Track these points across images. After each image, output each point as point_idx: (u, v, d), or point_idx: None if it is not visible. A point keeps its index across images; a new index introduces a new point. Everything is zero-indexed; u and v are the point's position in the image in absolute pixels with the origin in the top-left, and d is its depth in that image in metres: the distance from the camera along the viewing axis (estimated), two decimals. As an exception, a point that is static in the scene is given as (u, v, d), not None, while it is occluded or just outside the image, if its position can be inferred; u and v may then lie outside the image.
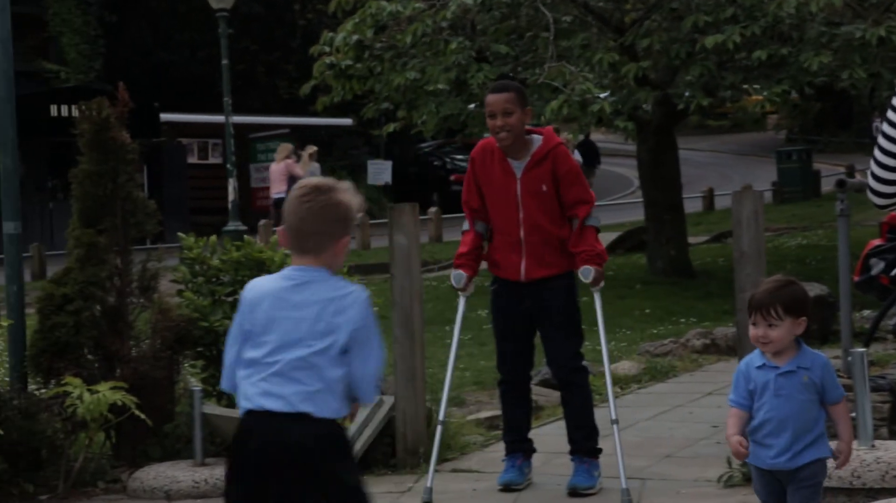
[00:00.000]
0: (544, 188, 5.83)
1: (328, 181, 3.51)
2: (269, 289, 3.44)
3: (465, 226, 6.04)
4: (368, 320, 3.43)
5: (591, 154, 35.14)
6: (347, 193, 3.47)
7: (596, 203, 6.01)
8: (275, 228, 23.34)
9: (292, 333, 3.36)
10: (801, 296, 4.04)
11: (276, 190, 22.09)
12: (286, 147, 22.57)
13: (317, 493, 3.30)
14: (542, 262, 5.86)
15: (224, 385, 3.52)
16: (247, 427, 3.38)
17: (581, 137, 21.86)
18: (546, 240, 5.85)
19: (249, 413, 3.37)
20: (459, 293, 6.04)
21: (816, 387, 3.99)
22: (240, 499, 3.38)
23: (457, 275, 5.99)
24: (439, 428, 5.92)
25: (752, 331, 4.00)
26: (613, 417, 5.76)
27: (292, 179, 21.96)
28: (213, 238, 7.05)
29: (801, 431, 3.97)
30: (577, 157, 22.29)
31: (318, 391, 3.32)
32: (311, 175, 22.36)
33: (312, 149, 22.64)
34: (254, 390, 3.35)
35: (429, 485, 5.73)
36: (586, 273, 5.81)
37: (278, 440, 3.30)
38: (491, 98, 5.88)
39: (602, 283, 5.90)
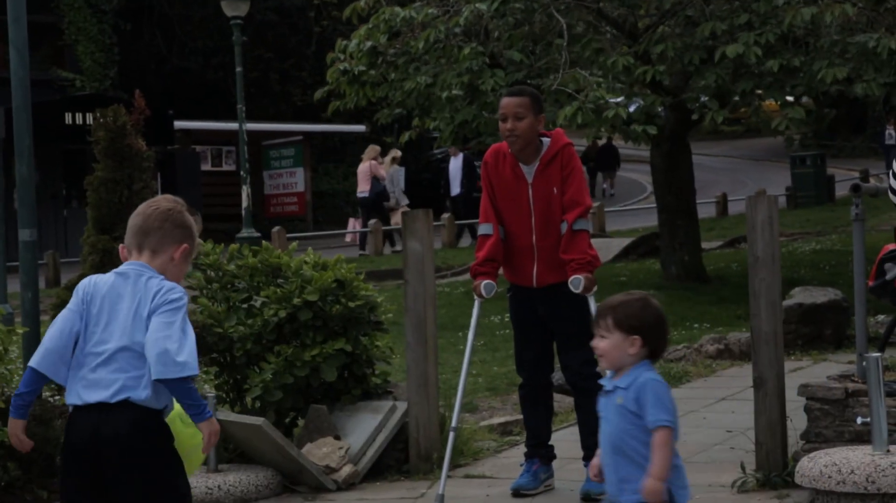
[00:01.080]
0: (555, 191, 5.83)
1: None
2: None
3: (487, 229, 5.98)
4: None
5: (611, 158, 35.19)
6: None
7: (593, 208, 6.02)
8: (357, 226, 23.95)
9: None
10: (635, 313, 3.76)
11: (361, 189, 23.16)
12: (374, 149, 23.26)
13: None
14: (554, 268, 5.86)
15: None
16: None
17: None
18: (558, 244, 5.85)
19: None
20: (476, 298, 6.01)
21: (633, 412, 3.65)
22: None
23: (488, 286, 5.91)
24: (452, 434, 5.92)
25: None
26: None
27: (375, 180, 22.77)
28: (234, 247, 7.06)
29: (623, 462, 3.68)
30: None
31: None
32: (392, 177, 22.75)
33: (397, 153, 23.10)
34: None
35: (440, 492, 5.72)
36: (576, 283, 5.78)
37: None
38: (504, 101, 5.92)
39: (595, 289, 5.85)
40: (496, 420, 7.73)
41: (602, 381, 3.82)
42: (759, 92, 12.91)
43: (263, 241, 7.40)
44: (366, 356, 6.77)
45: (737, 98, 12.86)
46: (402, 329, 6.69)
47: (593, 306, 5.88)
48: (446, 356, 10.18)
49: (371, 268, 17.76)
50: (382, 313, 6.87)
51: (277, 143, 30.53)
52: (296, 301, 6.60)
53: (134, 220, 3.87)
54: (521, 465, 6.09)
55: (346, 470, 6.30)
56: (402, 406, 6.59)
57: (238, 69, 19.63)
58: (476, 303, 6.03)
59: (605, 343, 3.79)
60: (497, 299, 14.43)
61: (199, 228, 3.98)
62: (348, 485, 6.29)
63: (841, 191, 27.59)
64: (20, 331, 6.39)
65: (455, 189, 24.22)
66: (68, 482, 3.75)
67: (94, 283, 3.82)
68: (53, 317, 6.45)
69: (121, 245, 3.93)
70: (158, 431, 3.69)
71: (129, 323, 3.71)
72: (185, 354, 3.64)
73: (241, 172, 20.16)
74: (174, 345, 3.63)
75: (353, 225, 25.03)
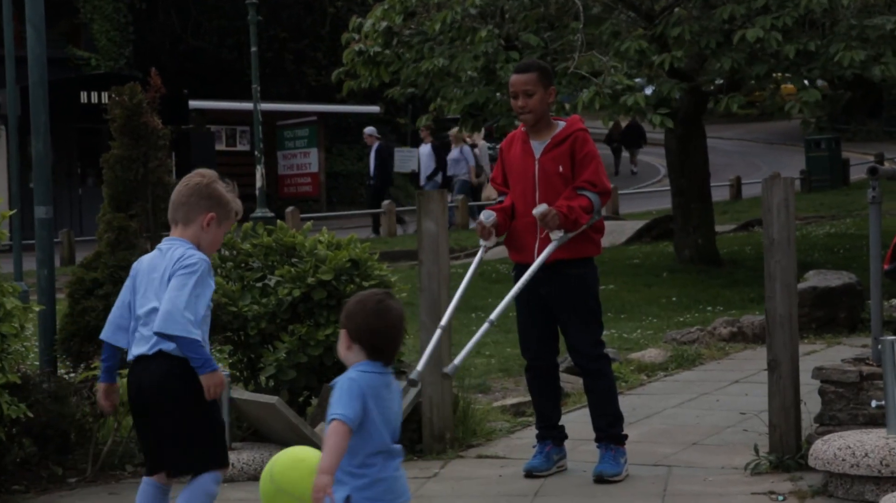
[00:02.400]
0: (561, 169, 5.83)
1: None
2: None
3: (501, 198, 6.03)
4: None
5: (636, 136, 35.25)
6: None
7: (609, 192, 5.97)
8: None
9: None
10: (350, 313, 3.59)
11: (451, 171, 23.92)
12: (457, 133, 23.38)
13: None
14: None
15: None
16: None
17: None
18: None
19: None
20: (482, 242, 5.91)
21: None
22: None
23: (486, 213, 5.84)
24: (438, 332, 5.69)
25: None
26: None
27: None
28: (248, 225, 7.07)
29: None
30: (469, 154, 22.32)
31: None
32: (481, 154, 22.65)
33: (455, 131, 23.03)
34: None
35: (419, 368, 5.39)
36: (538, 208, 5.69)
37: None
38: (514, 78, 5.93)
39: (558, 233, 5.70)
40: (509, 401, 7.74)
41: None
42: (777, 75, 12.85)
43: (278, 221, 7.40)
44: (380, 336, 6.77)
45: (752, 82, 12.80)
46: (416, 309, 6.70)
47: (548, 251, 5.73)
48: (459, 337, 10.19)
49: (385, 248, 17.78)
50: (396, 293, 6.88)
51: (292, 123, 30.52)
52: (310, 280, 6.61)
53: (171, 197, 4.42)
54: (534, 447, 6.10)
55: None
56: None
57: (253, 49, 19.61)
58: (482, 248, 5.96)
59: (339, 344, 3.67)
60: (510, 281, 14.43)
61: (236, 196, 4.41)
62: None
63: (856, 174, 27.51)
64: (36, 308, 6.41)
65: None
66: (135, 423, 4.52)
67: (141, 260, 4.43)
68: (69, 294, 6.52)
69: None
70: (186, 376, 4.23)
71: (157, 286, 4.26)
72: (190, 312, 4.15)
73: (256, 152, 20.17)
74: (181, 304, 4.15)
75: None
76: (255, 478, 6.13)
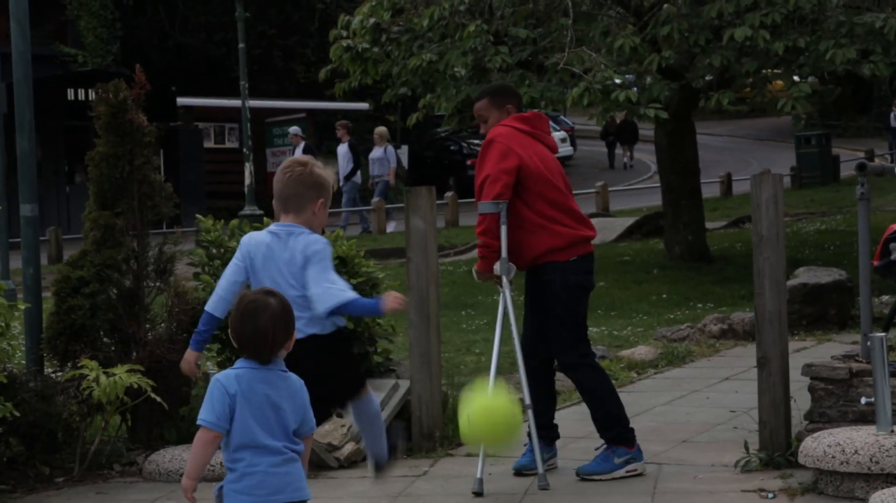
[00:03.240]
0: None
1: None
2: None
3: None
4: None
5: (630, 131, 35.38)
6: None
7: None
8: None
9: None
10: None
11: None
12: None
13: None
14: (513, 251, 5.82)
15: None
16: None
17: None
18: (517, 224, 5.79)
19: None
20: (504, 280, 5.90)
21: None
22: None
23: (505, 267, 5.85)
24: (530, 412, 5.73)
25: None
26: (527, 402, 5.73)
27: None
28: (235, 222, 7.03)
29: None
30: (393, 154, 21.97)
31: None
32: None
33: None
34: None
35: (479, 475, 5.62)
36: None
37: None
38: (475, 106, 6.13)
39: (496, 268, 5.78)
40: (499, 398, 7.70)
41: None
42: (767, 71, 12.84)
43: (265, 219, 7.36)
44: (368, 334, 6.75)
45: (743, 79, 12.79)
46: (405, 307, 6.66)
47: (506, 288, 5.78)
48: (449, 335, 10.17)
49: (374, 246, 17.74)
50: (385, 290, 6.84)
51: (280, 120, 30.46)
52: (298, 278, 6.57)
53: (275, 188, 4.63)
54: (525, 445, 6.07)
55: (349, 447, 6.29)
56: (404, 384, 6.57)
57: (241, 45, 19.56)
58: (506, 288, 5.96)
59: None
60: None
61: (332, 173, 4.74)
62: (350, 462, 6.28)
63: (846, 171, 27.54)
64: (22, 306, 6.38)
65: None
66: None
67: (255, 241, 4.62)
68: (55, 292, 6.47)
69: (274, 202, 4.69)
70: (336, 349, 4.60)
71: (287, 275, 4.51)
72: (341, 283, 4.53)
73: (244, 150, 20.13)
74: (328, 283, 4.50)
75: None
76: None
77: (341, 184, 21.71)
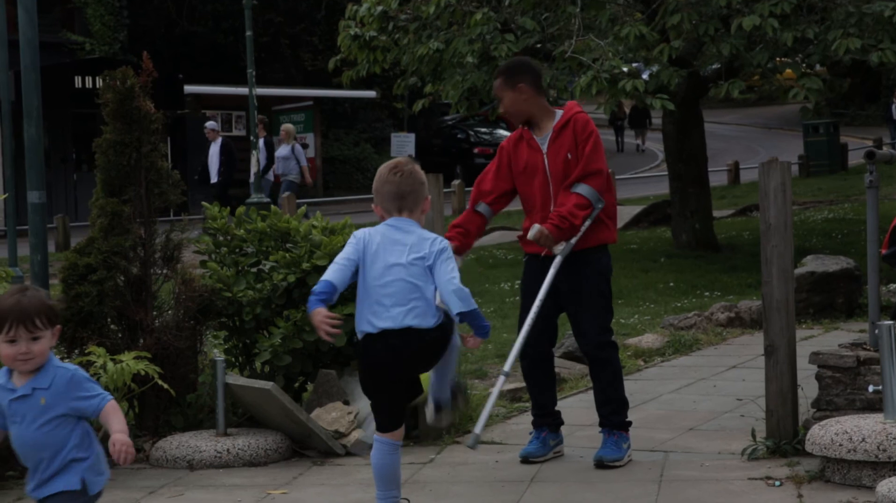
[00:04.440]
0: (569, 156, 5.82)
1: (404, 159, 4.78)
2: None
3: (475, 205, 6.02)
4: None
5: (642, 116, 35.43)
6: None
7: (609, 175, 5.93)
8: None
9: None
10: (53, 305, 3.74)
11: None
12: None
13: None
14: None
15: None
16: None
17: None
18: None
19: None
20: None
21: (56, 409, 3.68)
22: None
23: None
24: (501, 378, 5.68)
25: (10, 350, 3.61)
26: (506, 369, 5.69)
27: None
28: (242, 209, 7.04)
29: (47, 460, 3.71)
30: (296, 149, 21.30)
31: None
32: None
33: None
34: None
35: (477, 431, 5.54)
36: (531, 231, 5.74)
37: None
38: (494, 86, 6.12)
39: (559, 248, 5.76)
40: (505, 387, 7.70)
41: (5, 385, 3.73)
42: (779, 60, 12.80)
43: (272, 206, 7.36)
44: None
45: (753, 69, 12.75)
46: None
47: (555, 268, 5.77)
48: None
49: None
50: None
51: (287, 108, 30.46)
52: (305, 265, 6.58)
53: (386, 188, 4.71)
54: (531, 433, 6.08)
55: (355, 435, 6.30)
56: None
57: (248, 33, 19.54)
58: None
59: (42, 344, 3.67)
60: (507, 266, 14.44)
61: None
62: (358, 449, 6.28)
63: (854, 159, 27.48)
64: (29, 293, 6.37)
65: (213, 177, 20.88)
66: (375, 387, 4.74)
67: (370, 232, 4.70)
68: (63, 279, 6.48)
69: (374, 205, 4.78)
70: (433, 344, 4.67)
71: (405, 261, 4.60)
72: (467, 291, 4.61)
73: (251, 138, 20.12)
74: (460, 286, 4.58)
75: None
76: (250, 463, 6.11)
77: (252, 181, 20.81)
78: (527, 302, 5.94)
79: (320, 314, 4.56)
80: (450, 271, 4.60)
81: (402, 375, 4.73)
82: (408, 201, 4.70)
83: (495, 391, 5.67)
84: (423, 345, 4.63)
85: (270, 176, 21.18)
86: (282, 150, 21.06)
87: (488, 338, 4.81)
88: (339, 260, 4.68)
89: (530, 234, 5.75)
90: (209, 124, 21.20)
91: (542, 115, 5.92)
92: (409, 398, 4.91)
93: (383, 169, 4.75)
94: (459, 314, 4.57)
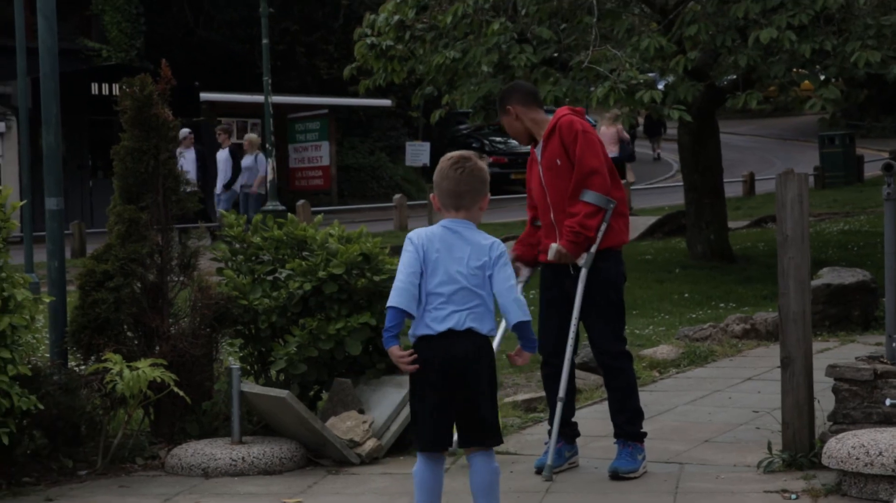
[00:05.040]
0: (558, 162, 5.91)
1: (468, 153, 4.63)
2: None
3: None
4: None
5: (657, 123, 35.42)
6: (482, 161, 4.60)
7: (612, 170, 5.94)
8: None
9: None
10: None
11: (609, 150, 23.78)
12: (615, 113, 23.65)
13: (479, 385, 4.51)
14: None
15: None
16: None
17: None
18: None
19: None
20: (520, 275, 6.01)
21: None
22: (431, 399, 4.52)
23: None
24: (560, 404, 5.85)
25: None
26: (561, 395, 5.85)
27: (623, 144, 23.71)
28: (258, 217, 7.05)
29: None
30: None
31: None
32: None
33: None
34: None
35: (549, 462, 5.77)
36: (549, 250, 5.86)
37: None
38: None
39: (581, 261, 5.82)
40: (520, 397, 7.71)
41: None
42: (796, 71, 12.76)
43: (289, 214, 7.38)
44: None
45: (770, 81, 12.73)
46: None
47: (582, 281, 5.81)
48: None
49: (396, 243, 17.74)
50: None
51: (303, 116, 30.49)
52: (321, 274, 6.58)
53: (445, 184, 4.56)
54: (545, 443, 6.06)
55: (370, 444, 6.30)
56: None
57: (264, 41, 19.58)
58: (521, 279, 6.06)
59: None
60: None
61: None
62: (372, 459, 6.28)
63: (870, 171, 27.39)
64: (47, 300, 6.40)
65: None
66: (431, 395, 4.52)
67: (427, 236, 4.55)
68: (79, 286, 6.49)
69: (432, 195, 4.66)
70: (489, 350, 4.56)
71: (465, 270, 4.49)
72: (524, 300, 4.60)
73: (267, 145, 20.14)
74: (519, 295, 4.55)
75: None
76: (265, 471, 6.11)
77: (219, 191, 20.52)
78: (547, 309, 5.97)
79: (396, 353, 4.50)
80: (508, 278, 4.52)
81: (462, 377, 4.50)
82: (466, 200, 4.55)
83: (556, 423, 5.81)
84: (481, 348, 4.51)
85: (238, 187, 20.49)
86: (246, 161, 20.61)
87: (535, 353, 4.70)
88: (404, 277, 4.50)
89: (549, 256, 5.87)
90: (183, 131, 19.99)
91: (537, 128, 6.06)
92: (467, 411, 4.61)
93: (445, 163, 4.59)
94: (517, 324, 4.51)
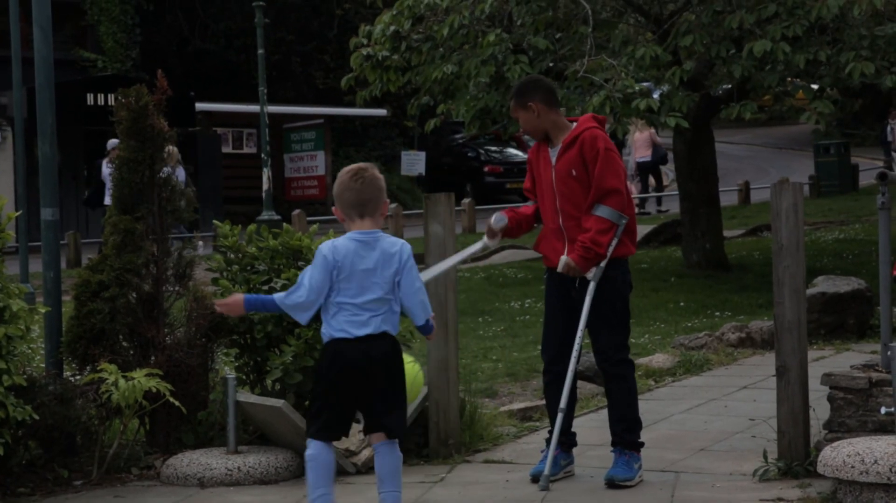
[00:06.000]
0: (574, 173, 5.86)
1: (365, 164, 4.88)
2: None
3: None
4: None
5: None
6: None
7: (628, 191, 5.95)
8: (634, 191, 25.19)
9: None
10: None
11: (641, 155, 25.21)
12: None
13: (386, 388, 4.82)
14: None
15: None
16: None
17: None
18: (580, 226, 5.85)
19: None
20: (484, 239, 6.04)
21: None
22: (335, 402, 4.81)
23: (498, 216, 6.03)
24: (560, 415, 5.89)
25: None
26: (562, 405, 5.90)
27: (656, 147, 24.86)
28: (253, 227, 7.05)
29: None
30: None
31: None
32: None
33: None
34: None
35: (547, 472, 5.80)
36: (560, 262, 5.86)
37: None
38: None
39: (591, 272, 5.83)
40: (516, 405, 7.71)
41: None
42: (790, 80, 12.80)
43: (284, 224, 7.37)
44: (386, 340, 6.73)
45: (765, 91, 12.76)
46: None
47: (590, 294, 5.84)
48: (466, 341, 10.17)
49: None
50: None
51: (298, 126, 30.52)
52: (317, 283, 6.57)
53: (347, 195, 4.80)
54: (542, 451, 6.07)
55: (366, 453, 6.30)
56: (422, 390, 6.57)
57: (260, 51, 19.62)
58: (484, 241, 6.07)
59: None
60: (517, 285, 14.42)
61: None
62: (368, 468, 6.28)
63: (865, 180, 27.42)
64: (42, 310, 6.40)
65: (108, 198, 20.24)
66: (346, 392, 4.80)
67: (340, 250, 4.76)
68: (75, 296, 6.49)
69: (334, 208, 4.87)
70: (400, 350, 4.88)
71: (378, 279, 4.74)
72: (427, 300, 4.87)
73: (262, 155, 20.18)
74: (425, 295, 4.83)
75: (632, 189, 26.61)
76: (261, 481, 6.11)
77: (107, 201, 19.01)
78: (552, 315, 5.99)
79: (235, 298, 4.93)
80: (415, 280, 4.79)
81: (377, 376, 4.79)
82: (369, 207, 4.79)
83: (556, 432, 5.84)
84: (395, 349, 4.82)
85: None
86: (164, 173, 19.88)
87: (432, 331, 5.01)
88: (309, 293, 4.77)
89: (559, 268, 5.87)
90: (111, 143, 18.76)
91: (556, 130, 5.99)
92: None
93: (345, 175, 4.83)
94: (423, 324, 4.85)
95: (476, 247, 6.09)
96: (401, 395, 4.90)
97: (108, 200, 18.93)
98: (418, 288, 4.81)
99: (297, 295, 4.79)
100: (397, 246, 4.80)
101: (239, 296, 4.96)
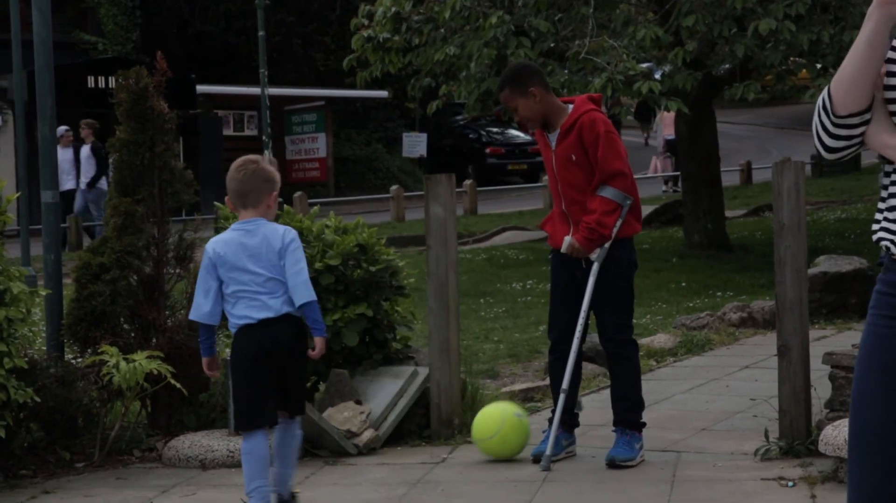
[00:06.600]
0: (573, 157, 5.85)
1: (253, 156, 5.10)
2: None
3: None
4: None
5: (647, 109, 35.42)
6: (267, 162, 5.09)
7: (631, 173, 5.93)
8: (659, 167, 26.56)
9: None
10: None
11: (669, 132, 24.98)
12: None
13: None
14: None
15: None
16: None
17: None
18: (584, 209, 5.84)
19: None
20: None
21: None
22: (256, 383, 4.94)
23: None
24: (562, 396, 5.90)
25: None
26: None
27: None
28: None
29: None
30: None
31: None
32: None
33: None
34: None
35: (548, 453, 5.81)
36: (563, 243, 5.86)
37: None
38: (500, 98, 6.14)
39: (595, 253, 5.83)
40: (517, 386, 7.72)
41: None
42: (792, 60, 12.75)
43: (285, 206, 7.37)
44: (387, 321, 6.75)
45: (767, 70, 12.72)
46: (424, 295, 6.66)
47: (593, 275, 5.83)
48: (468, 322, 10.17)
49: (393, 233, 17.75)
50: (404, 278, 6.86)
51: (299, 108, 30.47)
52: (317, 265, 6.58)
53: (232, 185, 5.00)
54: (543, 432, 6.07)
55: (368, 434, 6.30)
56: (423, 371, 6.57)
57: (260, 33, 19.54)
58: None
59: None
60: (519, 266, 14.43)
61: (276, 169, 5.16)
62: (369, 449, 6.29)
63: (867, 159, 27.38)
64: (43, 293, 6.40)
65: (63, 185, 18.25)
66: (259, 375, 4.94)
67: (222, 244, 4.97)
68: (76, 279, 6.50)
69: (227, 198, 5.10)
70: (304, 329, 5.02)
71: (266, 262, 4.93)
72: (310, 282, 4.99)
73: (263, 137, 20.13)
74: (307, 276, 4.96)
75: (658, 166, 27.07)
76: (262, 463, 6.11)
77: (83, 188, 19.41)
78: (556, 295, 6.00)
79: (207, 364, 5.09)
80: (298, 261, 4.95)
81: (284, 356, 4.95)
82: (250, 198, 4.98)
83: (558, 412, 5.86)
84: (298, 328, 4.98)
85: (104, 184, 19.01)
86: (84, 151, 19.40)
87: (325, 336, 5.05)
88: (202, 294, 4.97)
89: (563, 249, 5.86)
90: (60, 129, 18.26)
91: (555, 114, 5.94)
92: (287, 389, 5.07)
93: (232, 167, 5.02)
94: (303, 304, 4.93)
95: (592, 279, 5.90)
96: (303, 374, 5.15)
97: (67, 185, 18.98)
98: (301, 268, 4.95)
99: (197, 305, 5.00)
100: (280, 230, 4.98)
101: (205, 358, 5.10)
